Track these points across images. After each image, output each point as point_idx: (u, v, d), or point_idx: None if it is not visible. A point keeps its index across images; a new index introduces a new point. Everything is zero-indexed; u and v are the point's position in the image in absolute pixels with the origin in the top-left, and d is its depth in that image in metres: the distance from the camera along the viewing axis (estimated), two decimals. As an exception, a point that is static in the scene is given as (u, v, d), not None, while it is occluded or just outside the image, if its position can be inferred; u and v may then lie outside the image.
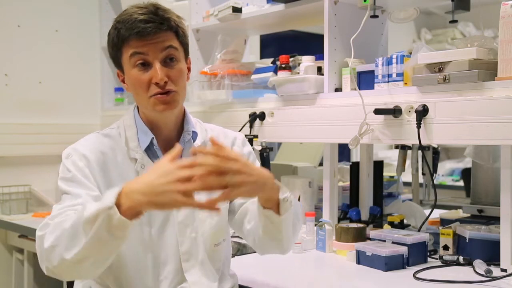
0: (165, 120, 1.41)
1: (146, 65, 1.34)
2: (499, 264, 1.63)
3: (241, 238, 1.60)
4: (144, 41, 1.32)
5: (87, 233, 1.11)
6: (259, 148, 2.11)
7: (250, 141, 2.13)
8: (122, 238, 1.13)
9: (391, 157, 3.96)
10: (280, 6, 2.22)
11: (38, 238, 1.22)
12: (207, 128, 1.53)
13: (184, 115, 1.46)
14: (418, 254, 1.75)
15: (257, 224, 1.35)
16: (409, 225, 2.15)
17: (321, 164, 2.36)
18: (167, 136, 1.44)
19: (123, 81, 1.42)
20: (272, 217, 1.27)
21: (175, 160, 1.10)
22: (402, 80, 1.84)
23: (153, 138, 1.40)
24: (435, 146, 2.15)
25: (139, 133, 1.41)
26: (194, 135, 1.45)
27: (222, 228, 1.48)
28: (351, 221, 2.08)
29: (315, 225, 1.99)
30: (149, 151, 1.41)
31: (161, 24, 1.32)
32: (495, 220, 1.97)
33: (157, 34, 1.32)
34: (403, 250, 1.71)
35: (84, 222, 1.11)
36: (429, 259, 1.79)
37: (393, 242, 1.77)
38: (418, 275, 1.61)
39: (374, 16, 1.94)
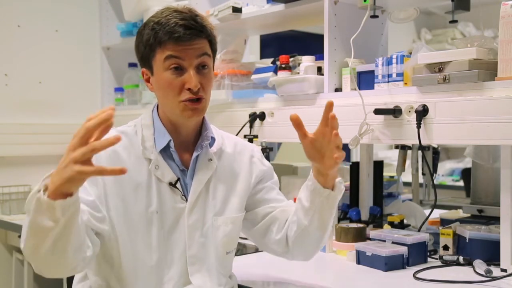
0: (187, 124, 1.42)
1: (179, 70, 1.35)
2: (499, 264, 1.63)
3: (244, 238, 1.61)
4: (182, 46, 1.33)
5: (28, 219, 1.12)
6: (259, 148, 2.10)
7: (250, 141, 2.14)
8: (57, 222, 1.09)
9: (391, 157, 3.96)
10: (280, 6, 2.22)
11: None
12: (223, 135, 1.54)
13: (203, 121, 1.47)
14: (418, 254, 1.75)
15: (303, 215, 1.41)
16: (409, 225, 2.15)
17: (321, 164, 2.35)
18: (184, 139, 1.44)
19: (147, 80, 1.43)
20: (330, 195, 1.37)
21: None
22: (402, 80, 1.84)
23: (170, 140, 1.40)
24: (435, 146, 2.15)
25: (156, 134, 1.42)
26: (212, 141, 1.46)
27: (235, 236, 1.49)
28: (351, 221, 2.08)
29: (315, 225, 1.99)
30: (164, 153, 1.41)
31: (200, 32, 1.35)
32: (495, 220, 1.97)
33: (195, 41, 1.34)
34: (403, 250, 1.71)
35: (25, 209, 1.14)
36: (429, 259, 1.80)
37: (393, 242, 1.77)
38: (418, 275, 1.61)
39: (374, 16, 1.94)
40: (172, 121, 1.42)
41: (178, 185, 1.40)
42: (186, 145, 1.45)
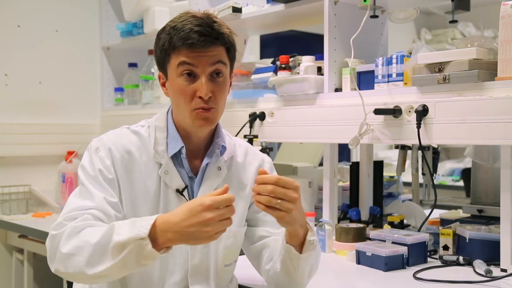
0: (198, 133, 1.40)
1: (192, 76, 1.32)
2: (499, 264, 1.63)
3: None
4: (196, 53, 1.31)
5: (114, 257, 1.14)
6: (259, 148, 2.11)
7: (250, 141, 2.14)
8: (146, 266, 1.17)
9: (391, 157, 3.96)
10: (280, 6, 2.22)
11: (52, 237, 1.23)
12: (235, 143, 1.51)
13: (216, 127, 1.44)
14: (418, 254, 1.75)
15: (277, 257, 1.38)
16: (409, 225, 2.15)
17: (321, 164, 2.36)
18: (196, 146, 1.42)
19: (163, 84, 1.41)
20: (291, 253, 1.31)
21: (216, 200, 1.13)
22: (402, 80, 1.84)
23: (182, 147, 1.39)
24: (435, 146, 2.15)
25: (169, 138, 1.40)
26: (223, 149, 1.44)
27: (236, 249, 1.47)
28: (351, 221, 2.08)
29: (315, 225, 1.99)
30: (175, 158, 1.39)
31: (216, 39, 1.32)
32: (495, 220, 1.97)
33: (210, 48, 1.31)
34: (403, 250, 1.72)
35: (113, 246, 1.14)
36: (429, 259, 1.80)
37: (393, 242, 1.77)
38: (418, 275, 1.61)
39: (374, 16, 1.94)
40: (184, 126, 1.40)
41: (185, 192, 1.38)
42: (196, 151, 1.43)
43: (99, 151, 1.35)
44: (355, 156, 3.54)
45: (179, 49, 1.31)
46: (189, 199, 1.39)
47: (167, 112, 1.44)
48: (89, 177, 1.32)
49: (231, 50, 1.37)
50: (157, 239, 1.14)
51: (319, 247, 1.45)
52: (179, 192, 1.38)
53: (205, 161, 1.41)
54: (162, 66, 1.38)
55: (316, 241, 1.34)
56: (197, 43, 1.29)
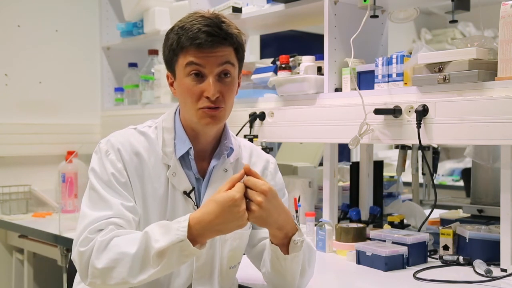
0: (206, 132, 1.39)
1: (200, 76, 1.32)
2: (499, 264, 1.63)
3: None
4: (203, 53, 1.30)
5: (157, 263, 1.19)
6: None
7: (250, 141, 2.13)
8: (186, 263, 1.26)
9: (391, 157, 3.96)
10: (280, 6, 2.22)
11: (80, 254, 1.24)
12: (240, 144, 1.51)
13: (224, 128, 1.44)
14: (418, 254, 1.75)
15: (267, 258, 1.39)
16: (409, 225, 2.15)
17: (321, 164, 2.36)
18: (203, 147, 1.42)
19: (171, 84, 1.41)
20: (277, 253, 1.33)
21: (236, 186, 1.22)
22: (402, 80, 1.84)
23: (190, 148, 1.38)
24: (435, 146, 2.15)
25: (177, 140, 1.39)
26: (230, 151, 1.44)
27: (240, 251, 1.47)
28: (351, 221, 2.08)
29: (315, 225, 1.99)
30: (183, 160, 1.39)
31: (224, 39, 1.31)
32: (495, 220, 1.97)
33: (217, 48, 1.31)
34: (403, 250, 1.72)
35: (155, 254, 1.18)
36: (429, 259, 1.80)
37: (393, 242, 1.77)
38: (418, 275, 1.61)
39: (374, 16, 1.94)
40: (191, 127, 1.39)
41: (192, 194, 1.38)
42: (204, 153, 1.42)
43: (109, 154, 1.34)
44: (355, 156, 3.55)
45: (187, 49, 1.31)
46: (196, 202, 1.39)
47: (175, 113, 1.43)
48: (102, 183, 1.31)
49: (239, 50, 1.37)
50: (194, 239, 1.19)
51: (312, 247, 1.45)
52: (186, 194, 1.38)
53: (213, 163, 1.41)
54: (170, 66, 1.37)
55: (302, 241, 1.33)
56: (205, 43, 1.29)
